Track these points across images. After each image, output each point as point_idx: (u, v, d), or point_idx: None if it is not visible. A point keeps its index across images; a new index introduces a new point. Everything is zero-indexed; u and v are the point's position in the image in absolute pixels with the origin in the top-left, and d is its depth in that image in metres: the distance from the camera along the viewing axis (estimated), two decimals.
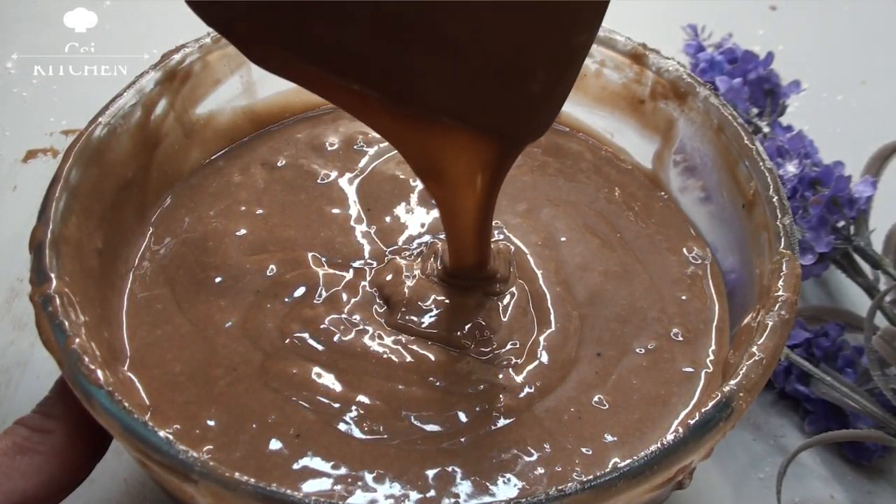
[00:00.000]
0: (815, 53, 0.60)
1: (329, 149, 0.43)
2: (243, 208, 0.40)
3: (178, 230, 0.39)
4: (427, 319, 0.36)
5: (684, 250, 0.40)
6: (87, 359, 0.30)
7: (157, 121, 0.40)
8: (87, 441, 0.32)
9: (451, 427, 0.33)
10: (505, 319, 0.37)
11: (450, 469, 0.32)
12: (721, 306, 0.38)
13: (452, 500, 0.31)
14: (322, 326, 0.36)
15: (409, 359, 0.35)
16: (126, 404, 0.29)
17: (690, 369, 0.36)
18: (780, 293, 0.33)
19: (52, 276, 0.32)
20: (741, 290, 0.38)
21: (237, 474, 0.27)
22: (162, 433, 0.28)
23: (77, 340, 0.30)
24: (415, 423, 0.33)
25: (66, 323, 0.31)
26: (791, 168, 0.44)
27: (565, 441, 0.33)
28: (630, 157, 0.44)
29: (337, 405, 0.34)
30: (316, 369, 0.35)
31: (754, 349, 0.32)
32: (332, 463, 0.32)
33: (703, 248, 0.40)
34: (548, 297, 0.38)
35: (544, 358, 0.36)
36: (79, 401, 0.30)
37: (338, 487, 0.31)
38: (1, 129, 0.54)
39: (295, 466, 0.32)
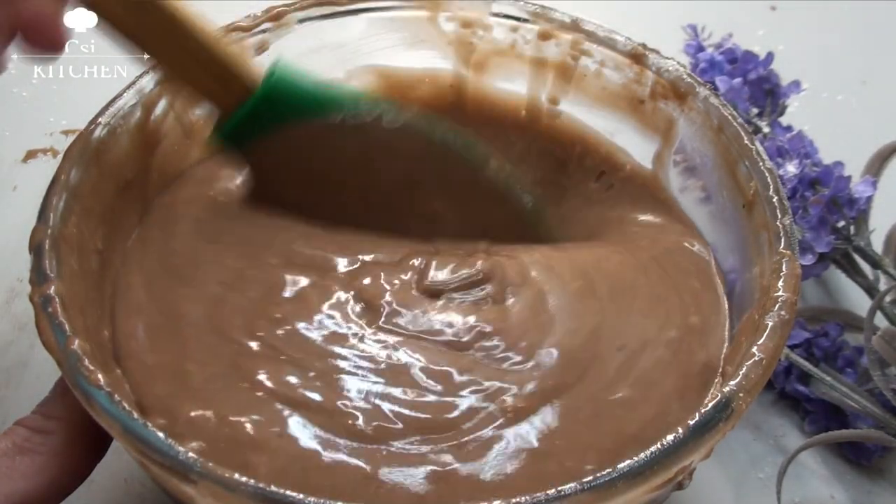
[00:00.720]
0: (815, 53, 0.60)
1: None
2: (237, 207, 0.40)
3: (177, 230, 0.40)
4: (412, 321, 0.36)
5: (686, 244, 0.40)
6: (86, 359, 0.30)
7: (157, 121, 0.40)
8: (87, 442, 0.32)
9: (447, 429, 0.33)
10: (512, 320, 0.37)
11: (449, 469, 0.32)
12: (721, 306, 0.38)
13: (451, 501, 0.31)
14: (296, 325, 0.36)
15: (394, 360, 0.35)
16: (125, 405, 0.29)
17: (706, 360, 0.36)
18: (780, 293, 0.33)
19: (52, 276, 0.32)
20: (741, 290, 0.38)
21: (237, 475, 0.27)
22: (162, 434, 0.28)
23: (77, 341, 0.30)
24: (408, 425, 0.33)
25: (66, 323, 0.31)
26: (791, 168, 0.44)
27: (580, 438, 0.33)
28: (630, 158, 0.44)
29: (318, 402, 0.33)
30: (290, 370, 0.34)
31: (754, 349, 0.32)
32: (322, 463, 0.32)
33: (703, 244, 0.40)
34: (559, 295, 0.38)
35: (554, 356, 0.35)
36: (79, 401, 0.30)
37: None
38: (1, 129, 0.54)
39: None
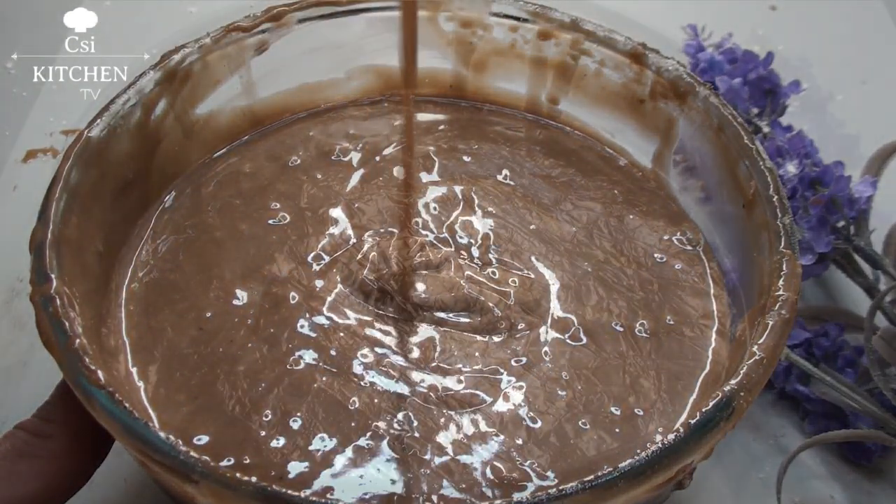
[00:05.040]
0: (816, 53, 0.60)
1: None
2: (243, 209, 0.40)
3: (177, 232, 0.40)
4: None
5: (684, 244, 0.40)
6: (87, 359, 0.30)
7: (157, 121, 0.40)
8: (87, 446, 0.32)
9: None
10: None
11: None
12: (722, 305, 0.38)
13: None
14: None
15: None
16: (127, 405, 0.29)
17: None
18: (780, 292, 0.33)
19: (53, 276, 0.32)
20: (741, 289, 0.38)
21: (238, 474, 0.27)
22: (163, 434, 0.28)
23: (77, 341, 0.30)
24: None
25: (67, 323, 0.31)
26: (791, 168, 0.44)
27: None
28: (630, 157, 0.44)
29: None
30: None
31: (755, 348, 0.32)
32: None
33: (695, 232, 0.41)
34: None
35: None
36: (79, 405, 0.30)
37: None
38: (1, 129, 0.54)
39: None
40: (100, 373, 0.30)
